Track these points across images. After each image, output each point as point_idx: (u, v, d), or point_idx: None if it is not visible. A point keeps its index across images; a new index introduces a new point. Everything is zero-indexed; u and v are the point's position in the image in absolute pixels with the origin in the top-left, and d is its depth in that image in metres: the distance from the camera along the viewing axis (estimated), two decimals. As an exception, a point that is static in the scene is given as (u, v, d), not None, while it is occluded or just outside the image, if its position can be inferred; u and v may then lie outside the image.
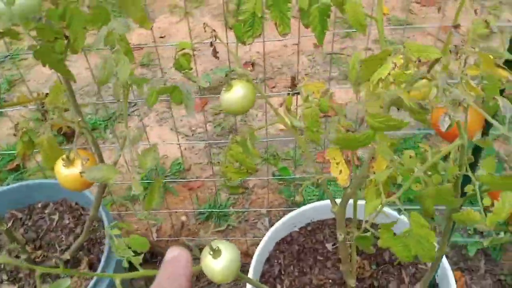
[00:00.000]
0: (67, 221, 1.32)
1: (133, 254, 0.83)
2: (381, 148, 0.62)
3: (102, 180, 0.80)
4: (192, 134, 1.96)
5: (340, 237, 0.98)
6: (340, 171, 0.72)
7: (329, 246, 1.20)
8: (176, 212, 1.69)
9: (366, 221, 0.65)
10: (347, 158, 0.72)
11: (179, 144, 1.47)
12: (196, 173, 1.82)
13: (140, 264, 0.76)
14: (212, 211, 1.65)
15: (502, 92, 0.66)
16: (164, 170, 1.82)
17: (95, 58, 2.21)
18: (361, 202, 1.56)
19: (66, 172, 0.86)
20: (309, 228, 1.23)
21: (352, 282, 1.03)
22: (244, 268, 1.40)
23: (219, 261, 0.78)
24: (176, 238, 1.61)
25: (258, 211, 1.68)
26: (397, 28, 2.33)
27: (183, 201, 1.73)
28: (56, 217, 1.34)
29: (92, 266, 1.22)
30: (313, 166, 0.77)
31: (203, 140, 1.91)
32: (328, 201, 1.23)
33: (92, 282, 1.10)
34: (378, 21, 0.79)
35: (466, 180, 0.68)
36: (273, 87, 2.14)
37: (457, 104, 0.48)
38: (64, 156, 0.86)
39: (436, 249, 0.61)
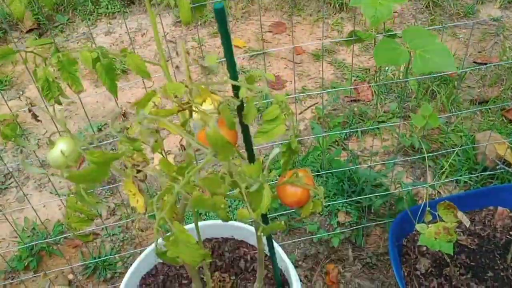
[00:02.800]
0: None
1: None
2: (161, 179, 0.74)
3: None
4: (73, 193, 2.00)
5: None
6: (137, 201, 0.82)
7: (192, 268, 1.30)
8: (62, 272, 1.72)
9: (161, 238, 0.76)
10: (140, 188, 0.83)
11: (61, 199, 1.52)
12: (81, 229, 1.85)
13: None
14: (96, 261, 1.69)
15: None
16: (47, 234, 1.84)
17: None
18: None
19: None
20: (171, 257, 1.32)
21: (206, 296, 1.13)
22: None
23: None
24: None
25: (143, 253, 1.75)
26: (255, 56, 2.53)
27: (70, 260, 1.76)
28: None
29: None
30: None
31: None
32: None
33: None
34: (163, 67, 0.92)
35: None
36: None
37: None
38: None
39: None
